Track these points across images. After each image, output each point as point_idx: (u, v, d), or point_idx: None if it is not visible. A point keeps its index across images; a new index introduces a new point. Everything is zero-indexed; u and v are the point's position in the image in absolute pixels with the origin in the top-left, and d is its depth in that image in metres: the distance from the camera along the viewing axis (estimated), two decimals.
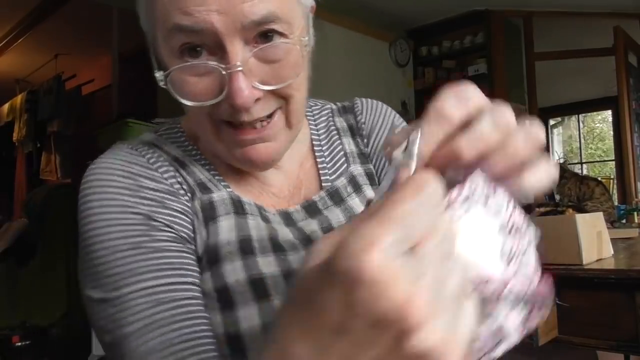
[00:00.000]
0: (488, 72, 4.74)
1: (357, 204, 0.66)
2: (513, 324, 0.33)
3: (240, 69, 0.49)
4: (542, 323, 1.65)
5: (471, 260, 0.31)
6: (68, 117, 3.81)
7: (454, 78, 5.04)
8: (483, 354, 0.32)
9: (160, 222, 0.54)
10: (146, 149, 0.60)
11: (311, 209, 0.64)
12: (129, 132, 2.70)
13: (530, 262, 0.33)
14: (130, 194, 0.55)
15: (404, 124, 0.74)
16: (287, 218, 0.62)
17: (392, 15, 4.78)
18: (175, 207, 0.56)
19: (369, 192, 0.69)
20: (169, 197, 0.57)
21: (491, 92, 4.76)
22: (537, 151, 0.33)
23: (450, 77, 5.09)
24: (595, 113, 8.39)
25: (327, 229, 0.63)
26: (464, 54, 5.01)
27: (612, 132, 6.95)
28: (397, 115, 0.76)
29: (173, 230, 0.55)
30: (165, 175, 0.58)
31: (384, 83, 4.77)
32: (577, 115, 7.92)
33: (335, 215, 0.64)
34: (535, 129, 0.33)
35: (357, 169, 0.70)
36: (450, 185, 0.32)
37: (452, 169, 0.33)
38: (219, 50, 0.50)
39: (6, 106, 4.42)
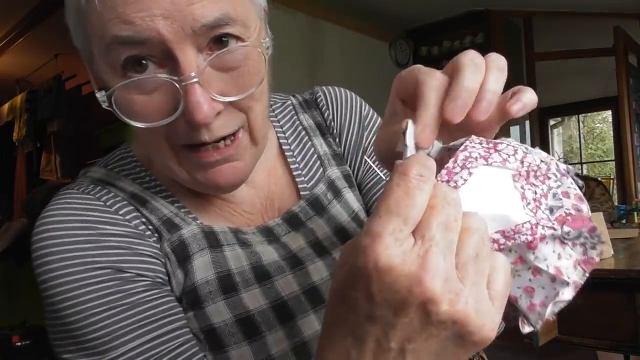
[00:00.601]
0: None
1: (339, 212, 0.62)
2: (569, 264, 0.32)
3: (196, 80, 0.43)
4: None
5: (490, 216, 0.31)
6: (68, 117, 3.80)
7: None
8: (551, 300, 0.33)
9: (130, 272, 0.49)
10: (99, 189, 0.54)
11: (293, 221, 0.60)
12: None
13: (565, 200, 0.32)
14: (93, 247, 0.49)
15: (371, 111, 0.70)
16: (269, 234, 0.58)
17: (392, 15, 4.78)
18: (144, 252, 0.51)
19: (349, 195, 0.64)
20: (136, 241, 0.51)
21: None
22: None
23: None
24: (595, 113, 8.39)
25: (314, 243, 0.59)
26: None
27: (612, 132, 6.95)
28: (363, 103, 0.70)
29: (147, 278, 0.50)
30: (128, 217, 0.52)
31: (384, 83, 4.75)
32: (577, 116, 7.91)
33: (320, 227, 0.60)
34: (498, 64, 0.36)
35: (334, 172, 0.65)
36: (445, 156, 0.34)
37: (444, 140, 0.35)
38: (168, 61, 0.44)
39: (6, 106, 4.42)
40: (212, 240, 0.55)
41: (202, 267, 0.53)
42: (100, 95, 0.46)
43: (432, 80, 0.36)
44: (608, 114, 7.65)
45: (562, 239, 0.32)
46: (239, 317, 0.52)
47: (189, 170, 0.50)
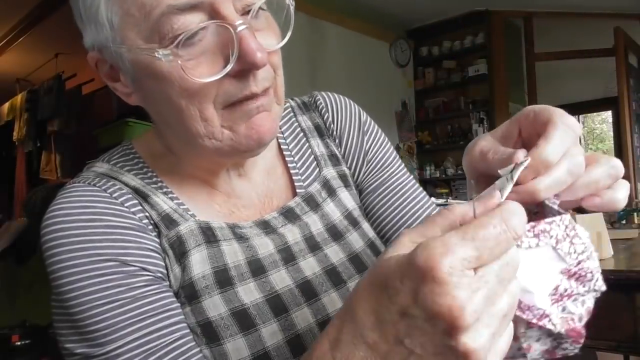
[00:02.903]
0: (488, 72, 4.74)
1: (332, 209, 0.65)
2: (536, 350, 0.37)
3: (247, 26, 0.48)
4: None
5: (523, 286, 0.34)
6: (68, 116, 3.80)
7: (454, 78, 5.04)
8: None
9: (134, 266, 0.51)
10: (104, 181, 0.56)
11: (289, 214, 0.62)
12: (129, 131, 2.70)
13: (578, 309, 0.36)
14: (99, 239, 0.50)
15: (369, 118, 0.73)
16: (266, 226, 0.60)
17: (393, 15, 4.78)
18: (147, 246, 0.53)
19: (344, 194, 0.67)
20: (140, 234, 0.53)
21: (491, 93, 4.76)
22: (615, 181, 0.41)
23: (450, 77, 5.09)
24: (595, 114, 8.39)
25: (308, 237, 0.61)
26: (464, 54, 5.01)
27: (612, 133, 6.95)
28: (361, 110, 0.73)
29: (149, 273, 0.52)
30: (133, 210, 0.55)
31: (384, 83, 4.77)
32: (577, 116, 7.91)
33: (314, 222, 0.63)
34: (613, 166, 0.41)
35: (329, 172, 0.68)
36: (534, 214, 0.37)
37: (547, 200, 0.39)
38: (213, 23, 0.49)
39: (6, 105, 4.42)
40: (209, 235, 0.57)
41: (199, 262, 0.55)
42: (165, 51, 0.48)
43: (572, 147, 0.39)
44: (608, 115, 7.65)
45: (549, 334, 0.36)
46: (234, 310, 0.53)
47: (232, 127, 0.53)
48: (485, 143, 0.44)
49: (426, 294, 0.30)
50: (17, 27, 4.01)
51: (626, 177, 0.41)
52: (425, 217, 0.67)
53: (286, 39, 0.53)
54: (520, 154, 0.39)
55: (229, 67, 0.48)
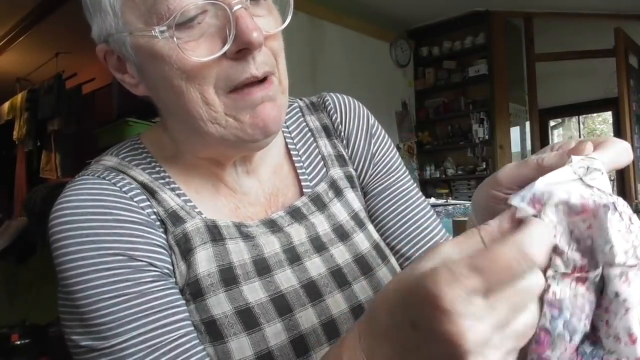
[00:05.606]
0: (488, 72, 4.74)
1: (339, 210, 0.65)
2: None
3: (243, 6, 0.49)
4: None
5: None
6: (68, 115, 3.80)
7: (454, 78, 5.05)
8: None
9: (142, 261, 0.51)
10: (113, 175, 0.56)
11: (295, 214, 0.63)
12: (129, 131, 2.70)
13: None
14: (108, 233, 0.51)
15: (377, 123, 0.73)
16: (272, 225, 0.61)
17: (393, 15, 4.78)
18: (155, 242, 0.53)
19: (350, 195, 0.67)
20: (149, 229, 0.54)
21: (491, 93, 4.76)
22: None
23: (450, 78, 5.09)
24: (595, 114, 8.40)
25: (315, 237, 0.61)
26: (465, 55, 5.01)
27: (612, 134, 6.95)
28: (369, 113, 0.73)
29: (156, 268, 0.52)
30: (142, 205, 0.55)
31: (384, 83, 4.77)
32: (577, 117, 7.91)
33: (320, 222, 0.63)
34: None
35: (337, 173, 0.68)
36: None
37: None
38: (211, 6, 0.50)
39: (6, 105, 4.42)
40: (215, 234, 0.57)
41: (205, 260, 0.55)
42: (161, 28, 0.49)
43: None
44: (608, 115, 7.66)
45: None
46: (239, 308, 0.53)
47: (236, 117, 0.53)
48: (512, 164, 0.42)
49: (431, 320, 0.30)
50: (17, 27, 4.01)
51: (626, 177, 0.40)
52: (425, 225, 0.67)
53: (286, 23, 0.54)
54: (590, 145, 0.37)
55: (226, 47, 0.49)
